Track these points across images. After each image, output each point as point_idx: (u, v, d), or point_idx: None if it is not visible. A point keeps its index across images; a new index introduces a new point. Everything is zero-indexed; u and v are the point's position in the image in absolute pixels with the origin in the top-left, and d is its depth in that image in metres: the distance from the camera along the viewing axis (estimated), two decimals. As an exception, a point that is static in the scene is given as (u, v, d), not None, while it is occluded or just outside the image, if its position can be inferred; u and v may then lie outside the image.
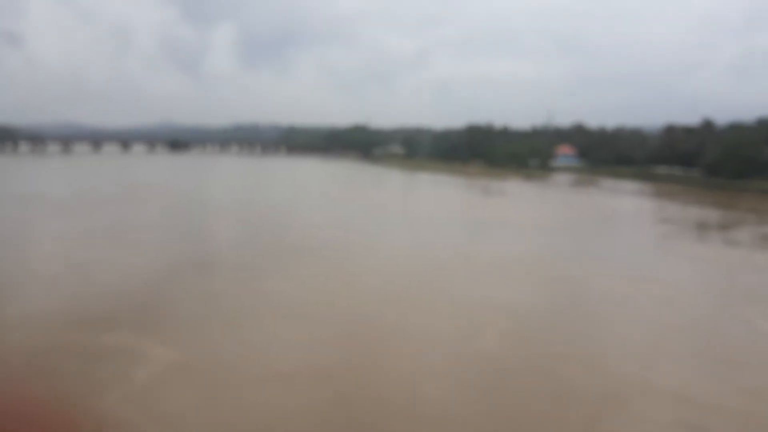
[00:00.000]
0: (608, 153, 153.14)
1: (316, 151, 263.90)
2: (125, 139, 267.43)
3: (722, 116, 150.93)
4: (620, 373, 21.43)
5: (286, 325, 25.65)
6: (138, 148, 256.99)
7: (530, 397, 19.22)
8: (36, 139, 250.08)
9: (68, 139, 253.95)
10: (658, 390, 19.94)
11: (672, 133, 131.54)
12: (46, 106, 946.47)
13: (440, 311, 28.14)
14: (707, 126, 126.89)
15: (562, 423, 17.69)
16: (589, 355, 23.16)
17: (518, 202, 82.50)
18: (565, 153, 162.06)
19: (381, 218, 62.69)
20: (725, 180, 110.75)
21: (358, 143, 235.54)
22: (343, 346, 23.43)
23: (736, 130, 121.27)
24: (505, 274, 37.02)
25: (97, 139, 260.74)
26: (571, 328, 26.38)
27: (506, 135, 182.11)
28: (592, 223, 63.12)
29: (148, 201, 71.14)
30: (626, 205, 79.82)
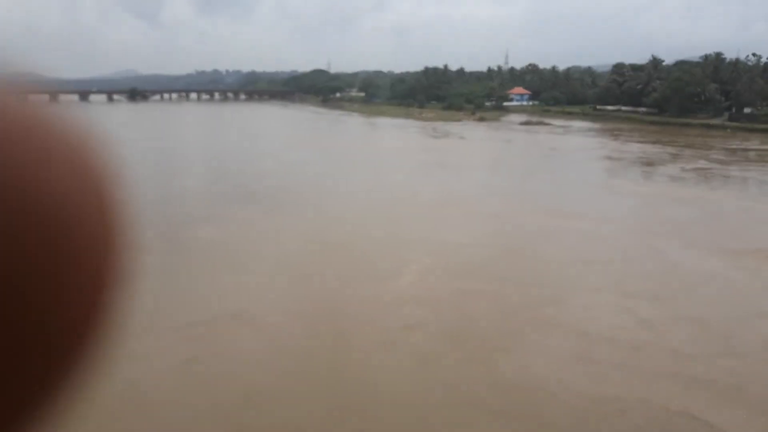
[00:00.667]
0: (561, 93, 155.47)
1: (277, 96, 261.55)
2: (84, 90, 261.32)
3: (674, 56, 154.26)
4: (525, 308, 23.70)
5: (202, 272, 27.58)
6: (97, 98, 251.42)
7: (429, 335, 21.28)
8: None
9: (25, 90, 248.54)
10: (559, 324, 22.16)
11: (620, 71, 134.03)
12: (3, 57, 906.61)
13: (366, 252, 30.31)
14: (654, 64, 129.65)
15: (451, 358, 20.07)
16: (500, 289, 25.46)
17: (466, 144, 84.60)
18: (519, 94, 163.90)
19: (330, 163, 64.22)
20: (670, 116, 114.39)
21: (318, 88, 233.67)
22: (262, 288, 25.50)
23: (681, 67, 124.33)
24: (438, 213, 39.01)
25: (53, 90, 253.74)
26: (492, 264, 28.56)
27: (462, 77, 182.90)
28: (533, 162, 65.65)
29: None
30: (569, 143, 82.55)
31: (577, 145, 79.79)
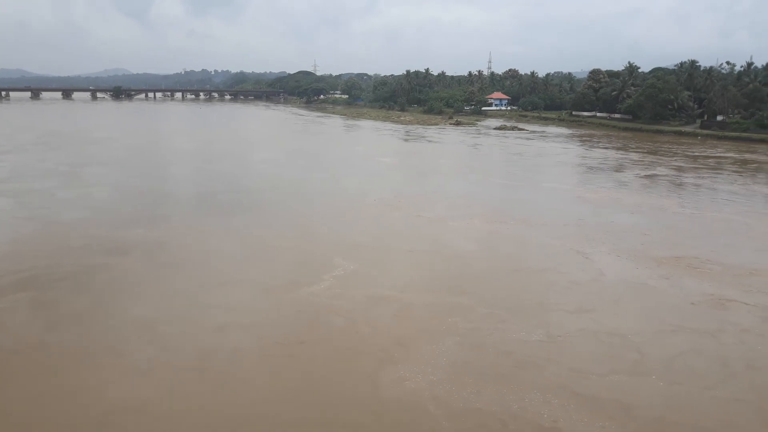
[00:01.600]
0: (539, 98, 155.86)
1: (262, 97, 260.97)
2: (67, 87, 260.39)
3: (660, 63, 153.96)
4: (429, 317, 23.63)
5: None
6: (81, 96, 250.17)
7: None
8: None
9: (7, 87, 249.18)
10: (457, 330, 22.24)
11: (596, 77, 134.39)
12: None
13: (289, 251, 30.11)
14: (630, 70, 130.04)
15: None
16: (402, 296, 25.36)
17: (435, 148, 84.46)
18: (499, 98, 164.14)
19: (291, 166, 63.79)
20: (643, 123, 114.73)
21: (302, 89, 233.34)
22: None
23: (656, 74, 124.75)
24: (378, 212, 39.10)
25: (34, 87, 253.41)
26: (410, 273, 28.59)
27: (444, 81, 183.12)
28: (494, 167, 65.69)
29: (54, 148, 70.59)
30: (535, 148, 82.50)
31: (542, 151, 79.79)
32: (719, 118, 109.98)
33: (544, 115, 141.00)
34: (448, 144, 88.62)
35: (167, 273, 27.21)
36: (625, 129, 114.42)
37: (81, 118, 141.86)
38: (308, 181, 52.67)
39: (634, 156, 73.99)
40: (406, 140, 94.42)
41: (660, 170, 61.62)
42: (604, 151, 79.38)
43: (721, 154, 76.04)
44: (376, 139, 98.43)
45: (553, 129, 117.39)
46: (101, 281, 25.79)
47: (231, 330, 21.21)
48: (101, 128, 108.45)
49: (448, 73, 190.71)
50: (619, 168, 63.33)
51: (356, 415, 16.53)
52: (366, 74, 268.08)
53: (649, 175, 57.99)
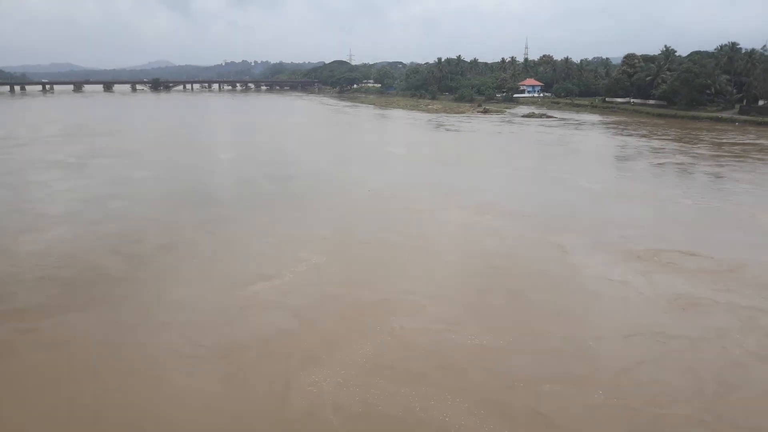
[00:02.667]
0: (573, 85, 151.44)
1: (297, 87, 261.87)
2: (108, 80, 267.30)
3: (707, 47, 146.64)
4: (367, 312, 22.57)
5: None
6: (121, 88, 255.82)
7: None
8: (18, 81, 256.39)
9: (51, 81, 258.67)
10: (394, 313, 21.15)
11: (631, 62, 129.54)
12: (43, 50, 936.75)
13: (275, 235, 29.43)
14: (666, 54, 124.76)
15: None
16: (354, 293, 24.37)
17: (452, 137, 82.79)
18: (531, 85, 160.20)
19: (300, 154, 63.20)
20: (679, 109, 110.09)
21: (335, 79, 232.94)
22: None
23: (693, 58, 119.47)
24: (368, 204, 38.22)
25: (76, 80, 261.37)
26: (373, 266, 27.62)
27: (476, 68, 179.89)
28: (504, 156, 63.58)
29: (93, 136, 71.60)
30: (555, 136, 79.79)
31: (561, 139, 77.13)
32: (760, 103, 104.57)
33: (577, 102, 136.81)
34: (468, 132, 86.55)
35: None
36: (659, 116, 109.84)
37: (113, 109, 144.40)
38: (313, 169, 51.92)
39: (656, 143, 70.73)
40: (426, 129, 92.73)
41: (679, 158, 58.60)
42: (626, 138, 76.17)
43: (753, 141, 72.03)
44: (395, 128, 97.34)
45: (583, 116, 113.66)
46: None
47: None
48: (125, 120, 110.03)
49: (487, 60, 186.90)
50: (636, 156, 60.53)
51: (263, 424, 15.69)
52: (401, 63, 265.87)
53: (662, 164, 55.21)
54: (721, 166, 53.68)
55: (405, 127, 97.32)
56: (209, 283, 24.39)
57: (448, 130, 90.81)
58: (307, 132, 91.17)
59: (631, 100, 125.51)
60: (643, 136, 78.98)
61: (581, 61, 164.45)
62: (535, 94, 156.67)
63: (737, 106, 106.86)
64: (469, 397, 16.35)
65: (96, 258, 27.49)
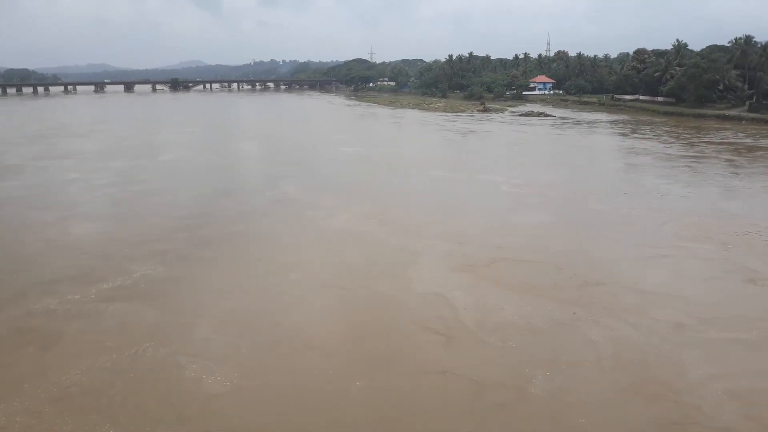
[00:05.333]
0: (586, 81, 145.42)
1: (316, 86, 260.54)
2: (128, 81, 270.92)
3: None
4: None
5: None
6: (142, 88, 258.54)
7: None
8: (42, 82, 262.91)
9: (74, 81, 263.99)
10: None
11: (641, 57, 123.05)
12: (80, 51, 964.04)
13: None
14: (677, 48, 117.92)
15: None
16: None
17: (425, 136, 79.15)
18: (542, 82, 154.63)
19: (269, 150, 60.54)
20: (686, 107, 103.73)
21: (350, 78, 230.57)
22: None
23: (701, 52, 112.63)
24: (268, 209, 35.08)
25: (97, 81, 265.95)
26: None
27: (489, 65, 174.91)
28: (461, 159, 59.54)
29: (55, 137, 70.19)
30: (535, 136, 75.20)
31: (538, 139, 72.60)
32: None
33: (585, 99, 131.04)
34: (448, 131, 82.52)
35: None
36: (665, 113, 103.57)
37: (111, 109, 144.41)
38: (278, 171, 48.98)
39: (630, 142, 65.85)
40: (399, 127, 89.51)
41: (638, 159, 53.86)
42: (600, 137, 71.51)
43: (738, 140, 66.35)
44: (363, 125, 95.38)
45: (584, 115, 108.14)
46: None
47: None
48: (108, 120, 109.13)
49: (489, 55, 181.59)
50: (591, 157, 56.16)
51: None
52: (421, 60, 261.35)
53: (624, 165, 50.66)
54: (672, 168, 48.81)
55: (374, 125, 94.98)
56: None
57: (433, 129, 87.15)
58: (296, 128, 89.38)
59: (640, 97, 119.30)
60: (625, 134, 73.93)
61: (594, 56, 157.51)
62: (546, 92, 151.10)
63: (748, 103, 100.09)
64: None
65: None
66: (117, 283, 22.98)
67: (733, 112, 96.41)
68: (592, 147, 64.19)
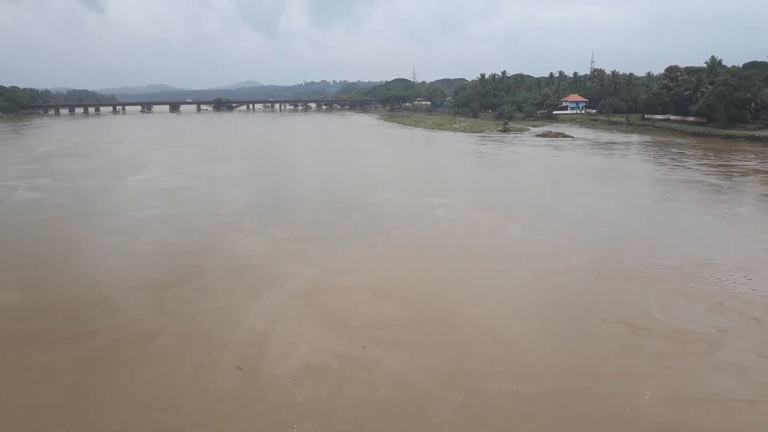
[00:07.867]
0: (621, 100, 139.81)
1: (356, 106, 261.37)
2: (174, 101, 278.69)
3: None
4: None
5: None
6: (187, 108, 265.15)
7: None
8: (92, 103, 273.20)
9: (123, 102, 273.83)
10: None
11: (672, 75, 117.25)
12: (141, 72, 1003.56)
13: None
14: (711, 66, 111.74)
15: None
16: None
17: (423, 157, 76.66)
18: (575, 101, 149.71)
19: (267, 174, 59.53)
20: (716, 127, 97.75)
21: (386, 98, 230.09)
22: None
23: (732, 70, 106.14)
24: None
25: (145, 102, 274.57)
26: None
27: (522, 84, 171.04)
28: (446, 182, 56.92)
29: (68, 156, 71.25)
30: (530, 159, 71.68)
31: (531, 160, 69.22)
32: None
33: (614, 119, 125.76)
34: (448, 153, 79.85)
35: None
36: (692, 134, 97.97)
37: (145, 128, 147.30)
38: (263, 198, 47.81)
39: (620, 164, 61.88)
40: (409, 146, 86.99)
41: (628, 188, 50.00)
42: (599, 158, 67.51)
43: (744, 163, 61.36)
44: (370, 146, 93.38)
45: (604, 135, 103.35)
46: None
47: None
48: (131, 138, 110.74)
49: (521, 73, 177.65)
50: (552, 182, 52.94)
51: None
52: (464, 79, 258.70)
53: (603, 194, 47.04)
54: (646, 196, 44.77)
55: (375, 144, 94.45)
56: None
57: (437, 149, 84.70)
58: (307, 148, 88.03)
59: (671, 117, 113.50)
60: (625, 156, 69.65)
61: (630, 74, 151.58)
62: (578, 111, 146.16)
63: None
64: None
65: None
66: None
67: (764, 134, 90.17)
68: (569, 168, 60.41)
